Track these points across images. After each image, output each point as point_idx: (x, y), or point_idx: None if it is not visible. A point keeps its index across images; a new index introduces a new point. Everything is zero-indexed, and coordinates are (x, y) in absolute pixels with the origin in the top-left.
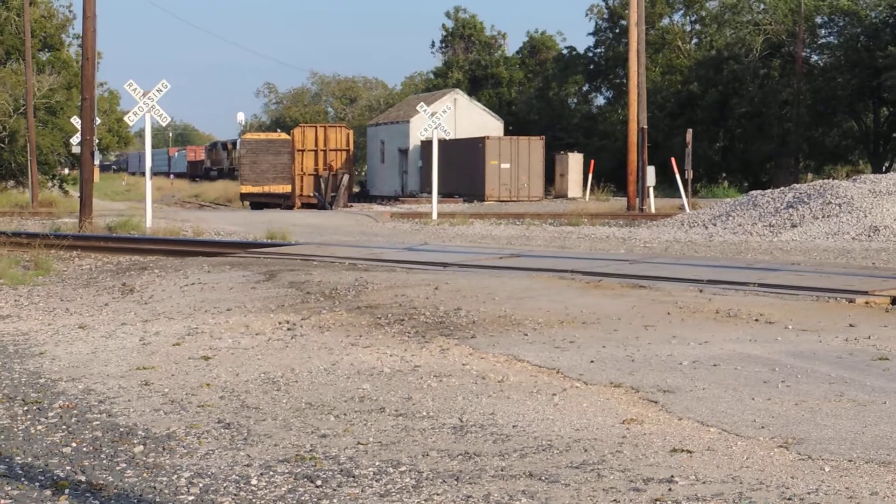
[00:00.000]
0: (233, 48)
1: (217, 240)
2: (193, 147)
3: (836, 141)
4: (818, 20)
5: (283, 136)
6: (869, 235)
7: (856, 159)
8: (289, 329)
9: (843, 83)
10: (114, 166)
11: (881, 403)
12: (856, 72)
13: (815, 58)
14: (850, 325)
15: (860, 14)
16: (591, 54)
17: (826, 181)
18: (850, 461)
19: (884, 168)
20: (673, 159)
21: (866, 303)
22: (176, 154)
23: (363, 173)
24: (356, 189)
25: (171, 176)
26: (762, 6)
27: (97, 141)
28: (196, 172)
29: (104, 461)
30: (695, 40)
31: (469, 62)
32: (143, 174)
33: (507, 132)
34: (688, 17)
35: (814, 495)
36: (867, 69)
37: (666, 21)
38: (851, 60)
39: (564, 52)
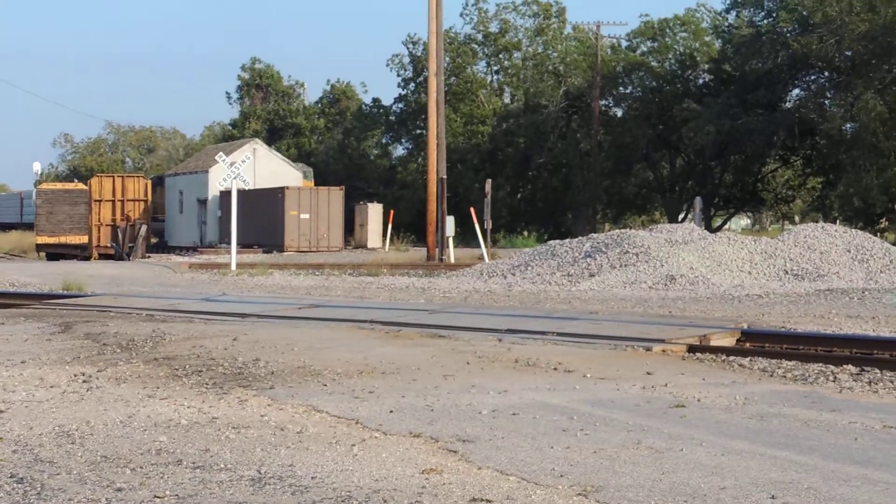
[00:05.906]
0: (27, 96)
1: (11, 291)
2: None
3: (635, 191)
4: (618, 69)
5: (80, 186)
6: (665, 284)
7: (652, 209)
8: (84, 381)
9: (641, 134)
10: None
11: (678, 450)
12: (652, 123)
13: (614, 109)
14: (648, 373)
15: (654, 69)
16: (393, 107)
17: (623, 231)
18: None
19: (679, 218)
20: (472, 209)
21: (663, 350)
22: None
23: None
24: (154, 240)
25: None
26: (562, 60)
27: None
28: None
29: None
30: (498, 91)
31: (267, 112)
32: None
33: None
34: (491, 68)
35: None
36: (663, 121)
37: (469, 70)
38: (648, 112)
39: (366, 104)
